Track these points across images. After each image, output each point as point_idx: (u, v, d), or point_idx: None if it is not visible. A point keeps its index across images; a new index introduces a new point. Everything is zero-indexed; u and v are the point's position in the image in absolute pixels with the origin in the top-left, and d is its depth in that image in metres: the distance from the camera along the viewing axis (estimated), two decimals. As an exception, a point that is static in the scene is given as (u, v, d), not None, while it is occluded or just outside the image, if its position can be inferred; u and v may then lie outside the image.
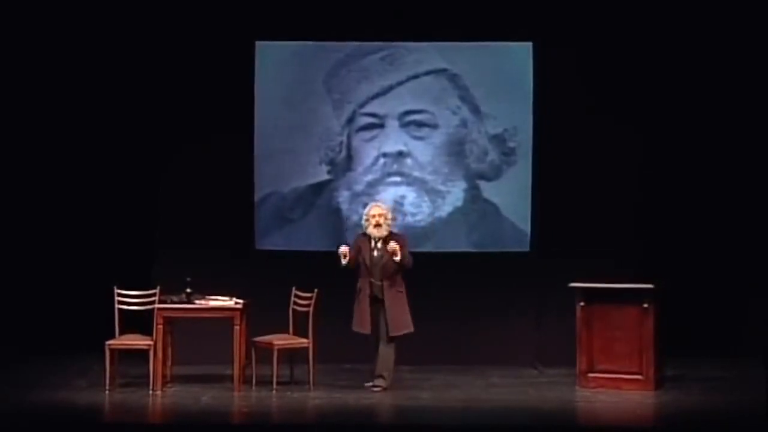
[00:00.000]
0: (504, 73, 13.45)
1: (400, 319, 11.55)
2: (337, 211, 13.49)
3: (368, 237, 11.65)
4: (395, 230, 11.81)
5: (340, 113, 13.54)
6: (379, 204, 11.93)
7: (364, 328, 11.55)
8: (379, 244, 11.60)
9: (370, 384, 11.59)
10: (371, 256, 11.59)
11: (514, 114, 13.41)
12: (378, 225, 11.60)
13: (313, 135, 13.51)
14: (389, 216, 11.69)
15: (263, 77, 13.47)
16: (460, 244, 13.43)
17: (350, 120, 13.55)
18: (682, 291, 12.58)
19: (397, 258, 11.45)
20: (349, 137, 13.55)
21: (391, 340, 11.56)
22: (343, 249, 11.53)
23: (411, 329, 11.59)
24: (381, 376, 11.56)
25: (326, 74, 13.52)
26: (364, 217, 11.73)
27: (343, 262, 11.50)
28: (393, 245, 11.46)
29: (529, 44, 13.38)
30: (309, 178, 13.54)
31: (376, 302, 11.57)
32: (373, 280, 11.56)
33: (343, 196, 13.51)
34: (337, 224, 13.46)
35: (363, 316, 11.56)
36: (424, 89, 13.47)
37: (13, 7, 13.12)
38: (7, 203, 13.39)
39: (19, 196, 13.46)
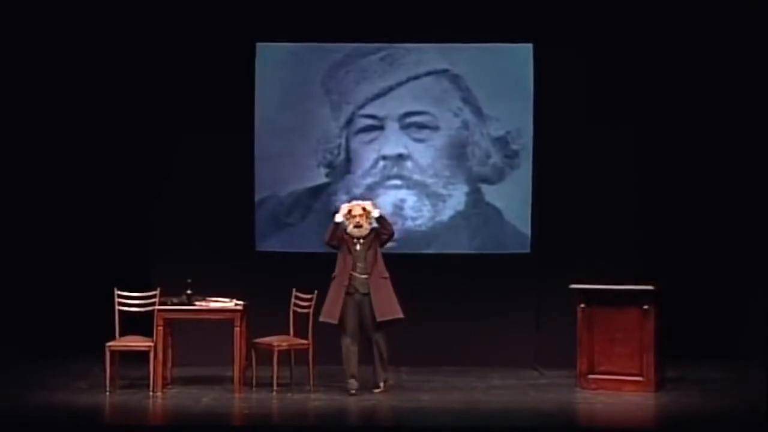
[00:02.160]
0: (505, 74, 13.38)
1: (388, 303, 11.29)
2: (336, 215, 13.40)
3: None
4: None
5: (338, 115, 13.43)
6: (362, 204, 11.61)
7: (332, 317, 11.29)
8: (362, 240, 11.43)
9: (378, 390, 11.46)
10: (354, 249, 11.40)
11: (516, 116, 13.33)
12: (359, 226, 11.42)
13: (311, 137, 13.42)
14: (371, 215, 11.45)
15: (263, 78, 13.41)
16: (462, 248, 13.33)
17: (349, 122, 13.45)
18: (683, 293, 12.62)
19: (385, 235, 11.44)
20: (347, 139, 13.46)
21: (379, 328, 11.33)
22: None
23: (400, 315, 11.32)
24: (383, 382, 11.45)
25: (324, 75, 13.41)
26: (344, 213, 11.47)
27: (338, 218, 11.42)
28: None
29: (530, 45, 13.36)
30: (307, 181, 13.45)
31: (358, 295, 11.31)
32: (355, 273, 11.35)
33: (341, 200, 13.26)
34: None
35: (333, 305, 11.29)
36: (424, 90, 13.36)
37: (15, 6, 13.09)
38: (8, 205, 13.37)
39: (19, 198, 13.44)
